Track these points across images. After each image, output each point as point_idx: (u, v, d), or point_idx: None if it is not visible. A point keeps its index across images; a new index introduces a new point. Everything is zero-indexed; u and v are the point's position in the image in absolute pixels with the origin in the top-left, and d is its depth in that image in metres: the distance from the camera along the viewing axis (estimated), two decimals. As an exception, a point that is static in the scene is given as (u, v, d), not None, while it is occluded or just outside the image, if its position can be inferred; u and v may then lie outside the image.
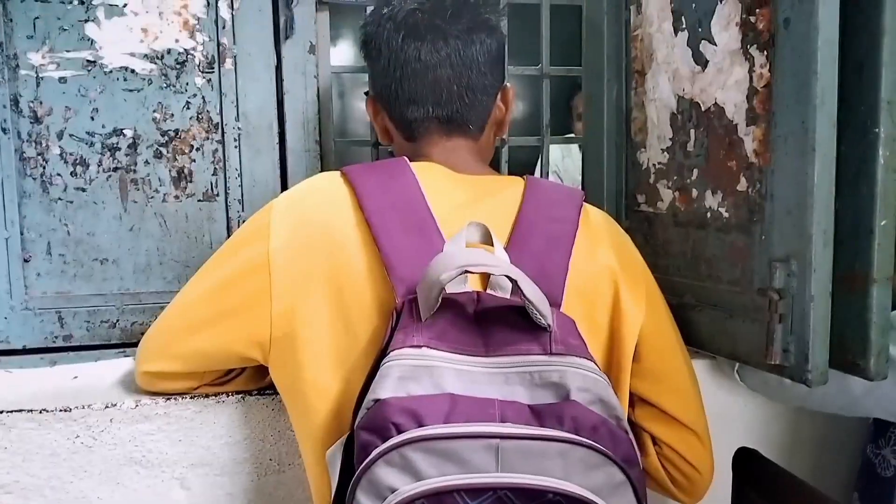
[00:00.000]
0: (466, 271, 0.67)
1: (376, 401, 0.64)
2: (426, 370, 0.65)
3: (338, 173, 0.84)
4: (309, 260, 0.77)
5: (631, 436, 0.67)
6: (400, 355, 0.66)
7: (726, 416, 1.03)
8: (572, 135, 2.71)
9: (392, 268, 0.74)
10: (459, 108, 0.88)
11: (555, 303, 0.75)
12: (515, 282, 0.67)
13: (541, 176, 1.23)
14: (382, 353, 0.68)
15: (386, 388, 0.64)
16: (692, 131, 0.93)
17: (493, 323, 0.70)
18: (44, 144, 1.00)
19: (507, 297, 0.74)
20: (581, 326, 0.73)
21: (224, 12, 1.03)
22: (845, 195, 0.77)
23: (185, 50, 1.03)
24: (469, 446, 0.60)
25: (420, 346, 0.67)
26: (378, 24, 0.88)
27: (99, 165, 1.02)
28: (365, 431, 0.63)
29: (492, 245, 0.77)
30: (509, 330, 0.70)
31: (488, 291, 0.76)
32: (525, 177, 0.89)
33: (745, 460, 0.91)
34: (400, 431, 0.61)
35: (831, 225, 0.75)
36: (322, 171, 1.10)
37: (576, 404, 0.64)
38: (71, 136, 1.01)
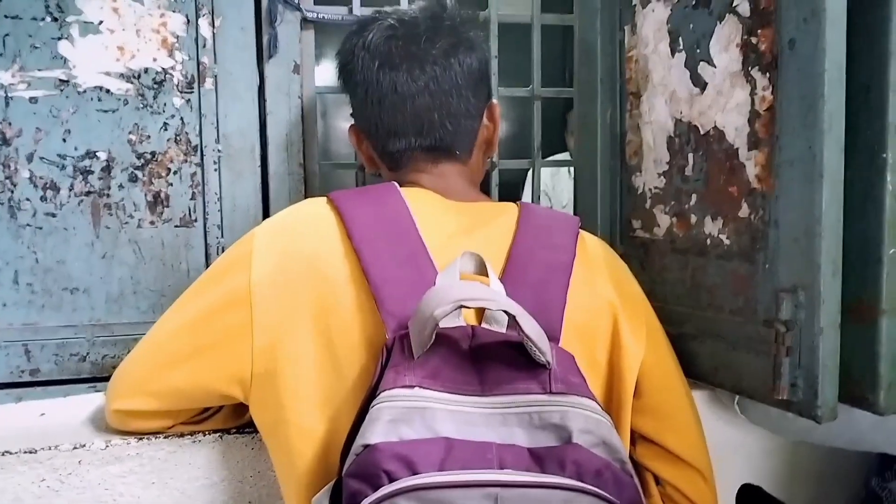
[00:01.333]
0: (462, 306, 0.63)
1: (366, 446, 0.60)
2: (419, 412, 0.61)
3: (324, 199, 0.81)
4: (293, 293, 0.73)
5: (636, 479, 0.63)
6: (391, 396, 0.62)
7: (725, 448, 0.99)
8: (566, 154, 2.68)
9: (382, 301, 0.70)
10: (442, 135, 0.84)
11: (553, 338, 0.71)
12: (514, 317, 0.63)
13: (532, 199, 1.19)
14: (372, 394, 0.64)
15: (376, 432, 0.60)
16: (690, 155, 0.90)
17: (489, 360, 0.67)
18: (12, 167, 0.95)
19: (504, 331, 0.70)
20: (580, 363, 0.70)
21: (205, 30, 0.99)
22: (851, 222, 0.74)
23: (164, 69, 0.98)
24: (466, 496, 0.56)
25: (412, 387, 0.63)
26: (352, 52, 0.85)
27: (70, 189, 0.97)
28: (354, 479, 0.59)
29: (487, 276, 0.73)
30: (506, 367, 0.66)
31: (483, 325, 0.72)
32: (518, 203, 0.85)
33: (750, 497, 0.87)
34: (392, 480, 0.57)
35: (840, 254, 0.72)
36: (306, 194, 1.06)
37: (578, 448, 0.60)
38: (41, 158, 0.96)
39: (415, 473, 0.57)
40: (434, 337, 0.64)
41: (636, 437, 0.82)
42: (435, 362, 0.65)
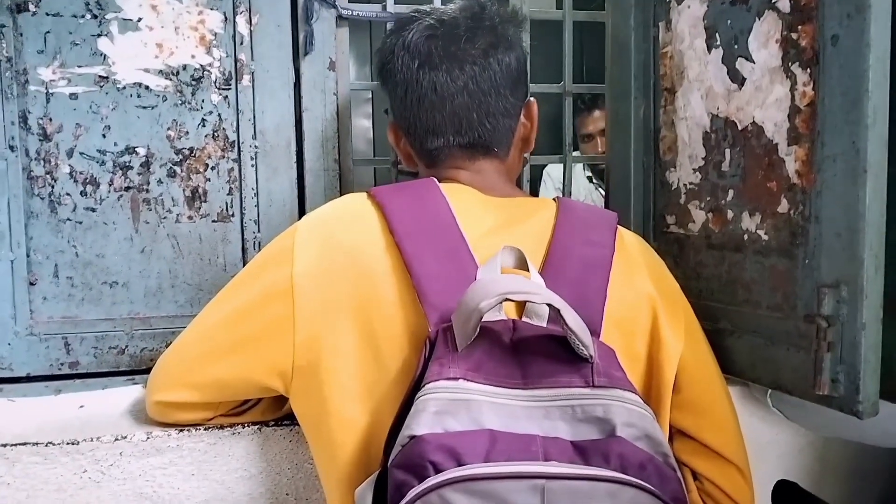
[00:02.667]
0: (507, 299, 0.63)
1: (412, 437, 0.60)
2: (464, 404, 0.62)
3: (365, 195, 0.81)
4: (335, 286, 0.74)
5: (679, 473, 0.63)
6: (436, 388, 0.62)
7: (758, 444, 0.99)
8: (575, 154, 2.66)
9: (424, 295, 0.71)
10: (481, 133, 0.85)
11: (594, 331, 0.71)
12: (558, 310, 0.63)
13: (562, 195, 1.19)
14: (416, 385, 0.65)
15: (422, 423, 0.60)
16: (727, 150, 0.90)
17: (530, 353, 0.67)
18: (53, 163, 0.97)
19: (544, 325, 0.71)
20: (620, 357, 0.70)
21: (242, 27, 1.00)
22: (893, 217, 0.74)
23: (202, 66, 0.99)
24: (513, 488, 0.56)
25: (457, 379, 0.63)
26: (392, 51, 0.86)
27: (110, 185, 0.98)
28: (400, 470, 0.59)
29: (527, 270, 0.74)
30: (548, 361, 0.66)
31: (524, 319, 0.72)
32: (556, 198, 0.85)
33: (785, 493, 0.87)
34: (438, 471, 0.57)
35: (882, 249, 0.72)
36: (341, 190, 1.07)
37: (622, 441, 0.60)
38: (81, 154, 0.97)
39: (461, 465, 0.57)
40: (478, 330, 0.65)
41: (674, 433, 0.82)
42: (478, 355, 0.65)
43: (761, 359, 0.85)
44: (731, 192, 0.90)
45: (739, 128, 0.87)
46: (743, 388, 0.99)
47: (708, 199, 0.94)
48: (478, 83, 0.83)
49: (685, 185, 0.98)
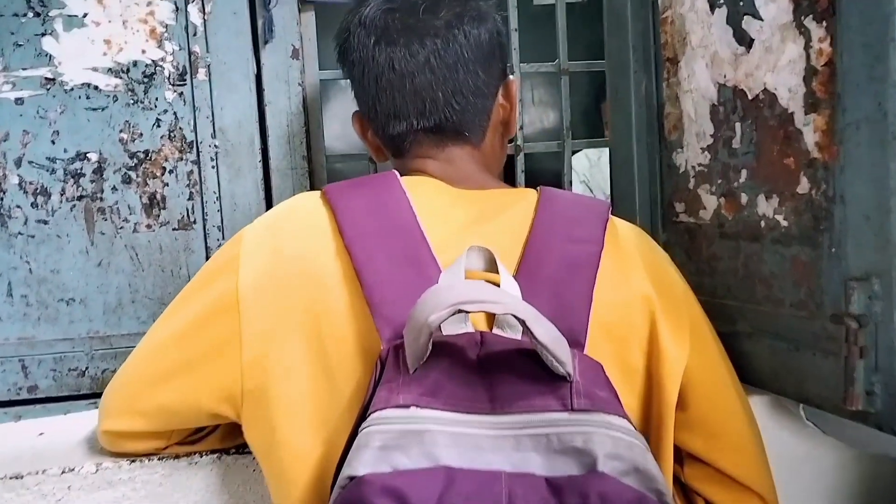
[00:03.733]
0: (460, 310, 0.53)
1: (352, 478, 0.51)
2: (415, 436, 0.53)
3: (318, 193, 0.73)
4: (282, 298, 0.66)
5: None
6: (382, 418, 0.53)
7: (791, 461, 0.87)
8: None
9: (376, 306, 0.62)
10: (449, 114, 0.75)
11: (576, 343, 0.61)
12: (524, 322, 0.53)
13: (563, 185, 1.08)
14: (363, 415, 0.55)
15: (364, 461, 0.51)
16: (737, 125, 0.78)
17: (500, 371, 0.57)
18: (1, 173, 0.90)
19: (519, 337, 0.60)
20: (610, 371, 0.60)
21: (195, 17, 0.92)
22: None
23: (153, 61, 0.92)
24: (467, 538, 0.47)
25: (408, 406, 0.54)
26: (348, 29, 0.78)
27: (62, 194, 0.91)
28: (338, 517, 0.50)
29: (497, 273, 0.63)
30: (521, 380, 0.56)
31: (495, 331, 0.62)
32: (539, 188, 0.75)
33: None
34: (381, 518, 0.48)
35: (922, 232, 0.60)
36: (312, 190, 0.98)
37: (604, 477, 0.51)
38: (30, 162, 0.91)
39: (409, 512, 0.48)
40: (432, 346, 0.55)
41: (683, 456, 0.71)
42: (435, 376, 0.56)
43: (784, 366, 0.74)
44: (744, 173, 0.78)
45: (750, 97, 0.76)
46: (772, 398, 0.87)
47: (719, 181, 0.82)
48: (441, 58, 0.74)
49: (694, 167, 0.86)
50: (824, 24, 0.65)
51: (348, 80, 0.81)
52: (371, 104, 0.77)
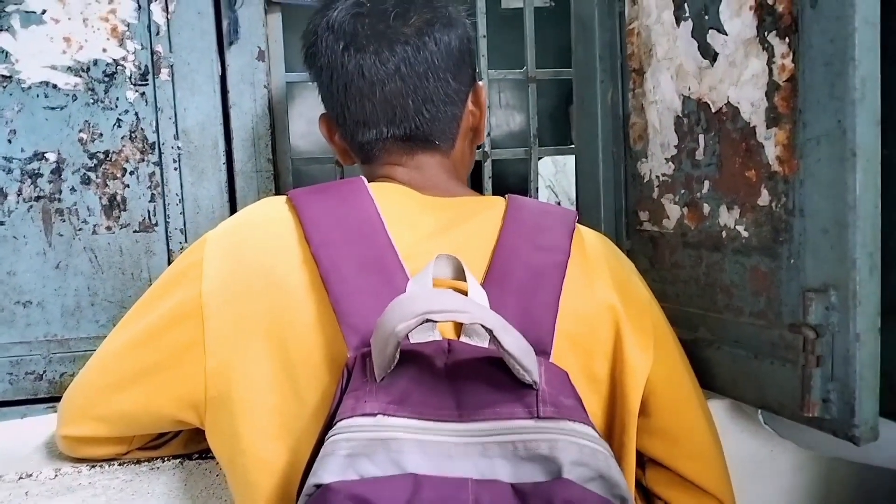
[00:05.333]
0: (428, 319, 0.53)
1: (318, 486, 0.51)
2: (382, 444, 0.53)
3: (283, 198, 0.72)
4: (246, 306, 0.65)
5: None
6: (348, 427, 0.53)
7: (750, 464, 0.89)
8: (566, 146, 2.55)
9: (342, 314, 0.61)
10: (419, 123, 0.75)
11: (542, 351, 0.61)
12: (491, 331, 0.53)
13: (529, 193, 1.09)
14: (329, 423, 0.55)
15: (330, 469, 0.51)
16: (701, 136, 0.79)
17: (467, 380, 0.57)
18: (-45, 173, 0.87)
19: (486, 345, 0.61)
20: (576, 379, 0.60)
21: (158, 16, 0.90)
22: (891, 209, 0.64)
23: (115, 60, 0.89)
24: (434, 545, 0.47)
25: (374, 414, 0.54)
26: (315, 32, 0.76)
27: (19, 195, 0.89)
28: (305, 525, 0.50)
29: (465, 281, 0.64)
30: (488, 388, 0.57)
31: (462, 339, 0.62)
32: (507, 196, 0.75)
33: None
34: (348, 528, 0.48)
35: (878, 246, 0.62)
36: (277, 193, 0.97)
37: (569, 484, 0.51)
38: (-15, 162, 0.88)
39: (374, 519, 0.48)
40: (399, 355, 0.55)
41: (646, 461, 0.72)
42: (403, 384, 0.56)
43: (744, 373, 0.75)
44: (706, 184, 0.79)
45: (713, 110, 0.77)
46: (731, 402, 0.89)
47: (682, 192, 0.83)
48: (411, 65, 0.73)
49: (658, 176, 0.87)
50: (787, 40, 0.66)
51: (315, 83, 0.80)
52: (340, 111, 0.76)
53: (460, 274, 0.65)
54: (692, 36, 0.79)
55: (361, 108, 0.74)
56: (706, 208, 0.80)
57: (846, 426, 0.63)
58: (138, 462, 0.78)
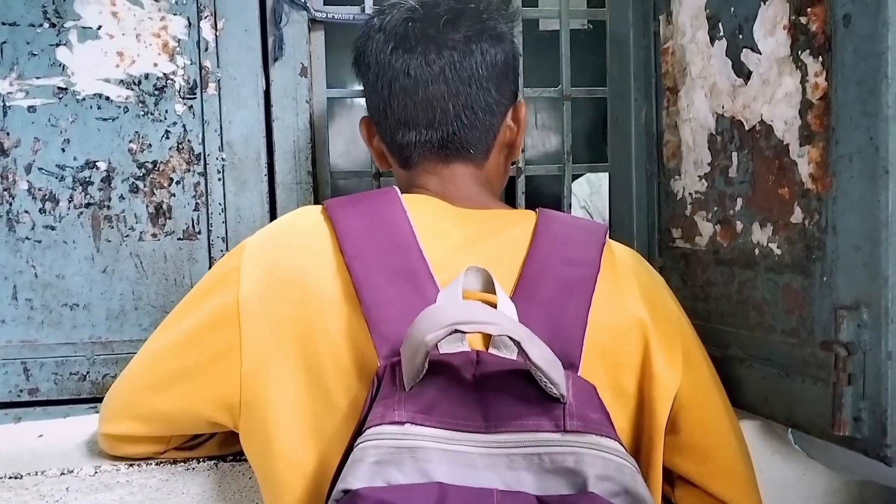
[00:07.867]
0: (457, 330, 0.54)
1: (346, 492, 0.52)
2: (409, 452, 0.54)
3: (319, 208, 0.74)
4: (280, 312, 0.66)
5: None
6: (377, 434, 0.54)
7: (781, 487, 0.88)
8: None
9: (374, 324, 0.62)
10: (457, 129, 0.76)
11: (571, 365, 0.62)
12: (519, 343, 0.54)
13: (562, 209, 1.10)
14: (359, 430, 0.56)
15: (359, 475, 0.52)
16: (734, 154, 0.80)
17: (495, 391, 0.58)
18: (10, 179, 0.92)
19: (514, 357, 0.62)
20: (603, 393, 0.61)
21: (207, 33, 0.94)
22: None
23: (165, 74, 0.93)
24: (459, 554, 0.48)
25: (402, 423, 0.55)
26: (367, 34, 0.79)
27: (70, 201, 0.93)
28: (332, 530, 0.51)
29: (494, 294, 0.65)
30: (515, 400, 0.57)
31: (491, 350, 0.63)
32: (538, 210, 0.76)
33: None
34: (374, 532, 0.49)
35: (911, 264, 0.61)
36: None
37: (594, 497, 0.52)
38: (40, 169, 0.92)
39: (401, 525, 0.49)
40: (428, 365, 0.56)
41: (674, 478, 0.72)
42: (431, 394, 0.57)
43: (775, 392, 0.74)
44: (739, 201, 0.80)
45: (746, 128, 0.77)
46: (762, 423, 0.88)
47: (715, 209, 0.84)
48: (456, 70, 0.75)
49: (691, 194, 0.88)
50: (821, 59, 0.67)
51: (354, 99, 0.82)
52: (382, 108, 0.78)
53: (490, 286, 0.66)
54: (726, 55, 0.79)
55: (403, 106, 0.76)
56: (739, 226, 0.80)
57: (878, 445, 0.62)
58: (174, 462, 0.80)
